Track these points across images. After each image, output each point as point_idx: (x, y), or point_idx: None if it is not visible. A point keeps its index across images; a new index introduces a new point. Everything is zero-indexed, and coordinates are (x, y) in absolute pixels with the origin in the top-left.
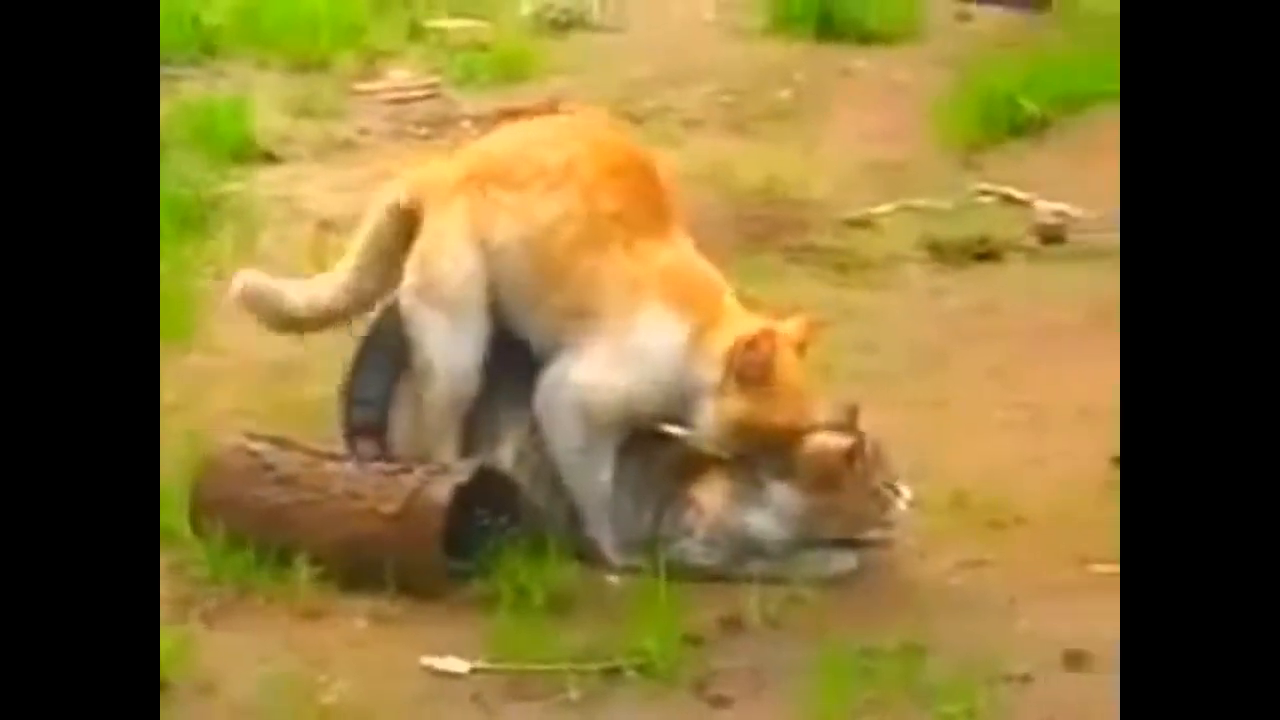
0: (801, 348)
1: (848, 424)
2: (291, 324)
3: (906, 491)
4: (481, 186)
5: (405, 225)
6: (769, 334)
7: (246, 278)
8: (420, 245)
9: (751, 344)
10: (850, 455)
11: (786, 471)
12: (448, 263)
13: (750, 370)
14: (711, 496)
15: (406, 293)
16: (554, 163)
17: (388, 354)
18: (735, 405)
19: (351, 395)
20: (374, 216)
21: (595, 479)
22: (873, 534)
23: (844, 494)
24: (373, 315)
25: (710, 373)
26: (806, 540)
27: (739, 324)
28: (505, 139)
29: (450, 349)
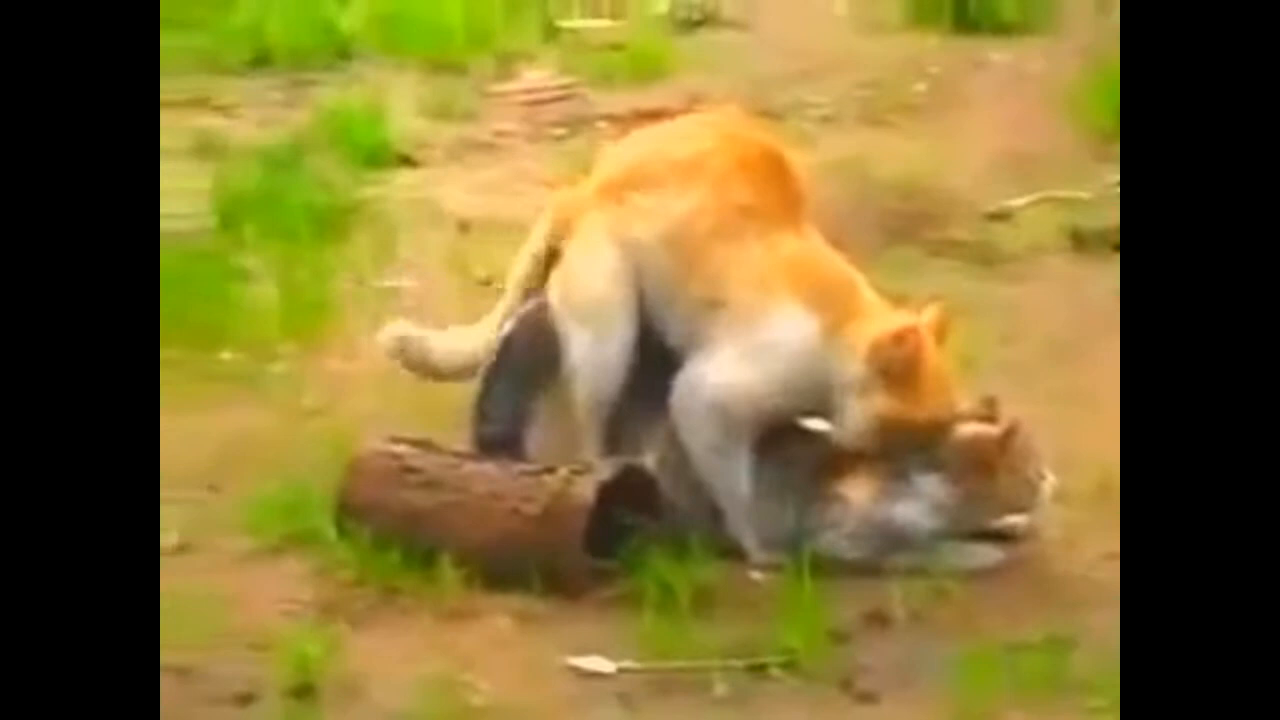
0: (941, 337)
1: (988, 415)
2: (439, 375)
3: (1052, 478)
4: (616, 194)
5: (550, 268)
6: (913, 329)
7: (395, 330)
8: (564, 262)
9: (897, 339)
10: (1004, 441)
11: (936, 463)
12: (589, 269)
13: (895, 366)
14: (856, 491)
15: (552, 302)
16: (685, 159)
17: (518, 372)
18: (880, 402)
19: (481, 412)
20: (520, 265)
21: (734, 477)
22: (1020, 522)
23: (996, 481)
24: (502, 333)
25: (851, 368)
26: (956, 530)
27: (877, 318)
28: (636, 144)
29: (594, 352)
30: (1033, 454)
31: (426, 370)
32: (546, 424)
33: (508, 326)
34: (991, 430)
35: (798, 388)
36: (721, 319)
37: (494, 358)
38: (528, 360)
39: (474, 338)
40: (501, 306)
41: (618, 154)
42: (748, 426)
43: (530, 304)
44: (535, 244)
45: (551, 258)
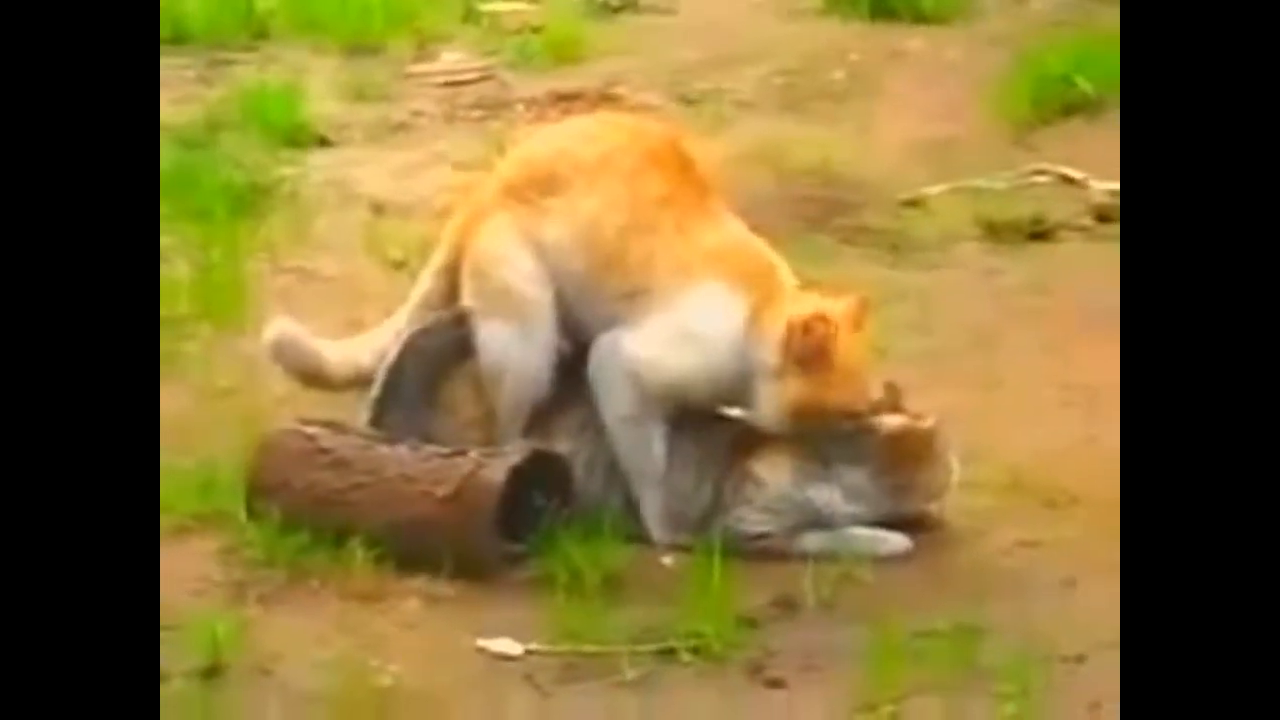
0: (858, 325)
1: (893, 403)
2: (324, 383)
3: (958, 467)
4: (523, 195)
5: (453, 285)
6: (824, 316)
7: (280, 328)
8: (471, 263)
9: (807, 327)
10: (932, 435)
11: (861, 457)
12: (506, 270)
13: (807, 354)
14: (774, 471)
15: (469, 305)
16: (591, 158)
17: (416, 384)
18: (793, 388)
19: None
20: (423, 281)
21: (645, 448)
22: (932, 509)
23: (920, 473)
24: (401, 344)
25: (766, 355)
26: (873, 517)
27: (795, 305)
28: (539, 145)
29: (519, 354)
30: (948, 444)
31: (309, 377)
32: (450, 425)
33: (403, 340)
34: (920, 424)
35: (719, 373)
36: (646, 306)
37: (387, 375)
38: (424, 376)
39: (365, 348)
40: (396, 321)
41: (520, 156)
42: (664, 402)
43: (432, 317)
44: (438, 261)
45: (454, 274)
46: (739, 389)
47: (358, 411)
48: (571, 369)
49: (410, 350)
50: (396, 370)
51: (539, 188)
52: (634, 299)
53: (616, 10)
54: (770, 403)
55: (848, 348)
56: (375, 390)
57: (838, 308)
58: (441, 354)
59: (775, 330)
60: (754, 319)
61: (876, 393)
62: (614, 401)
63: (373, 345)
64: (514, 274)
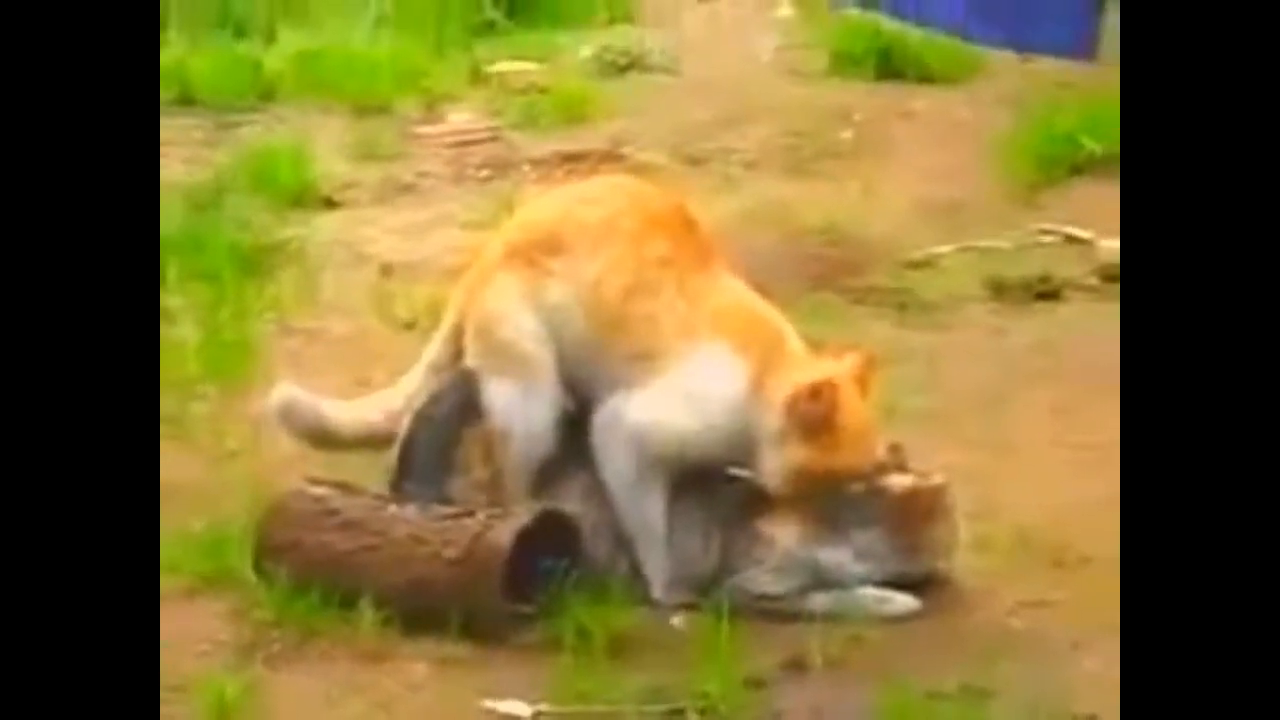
0: (864, 385)
1: (897, 464)
2: (332, 443)
3: (963, 528)
4: (527, 256)
5: (461, 348)
6: (831, 382)
7: (285, 394)
8: (475, 322)
9: (813, 393)
10: (940, 493)
11: (872, 519)
12: (509, 330)
13: (812, 420)
14: (783, 531)
15: (473, 366)
16: (595, 220)
17: (435, 444)
18: (798, 453)
19: (402, 488)
20: (433, 344)
21: (648, 512)
22: (940, 569)
23: (928, 532)
24: (417, 408)
25: (771, 420)
26: (881, 577)
27: (800, 369)
28: (542, 208)
29: (523, 412)
30: (955, 503)
31: (318, 438)
32: (467, 487)
33: (414, 409)
34: (928, 483)
35: (723, 436)
36: (650, 368)
37: (403, 445)
38: (438, 442)
39: (375, 408)
40: (407, 382)
41: (524, 218)
42: (665, 465)
43: (440, 381)
44: (447, 323)
45: (462, 336)
46: (743, 452)
47: (367, 472)
48: (578, 431)
49: (422, 419)
50: (410, 441)
51: (542, 249)
52: (637, 361)
53: (623, 70)
54: (775, 467)
55: (853, 410)
56: (392, 462)
57: (843, 369)
58: (451, 418)
59: (780, 394)
60: (758, 382)
61: (881, 454)
62: (616, 465)
63: (383, 405)
64: (517, 333)
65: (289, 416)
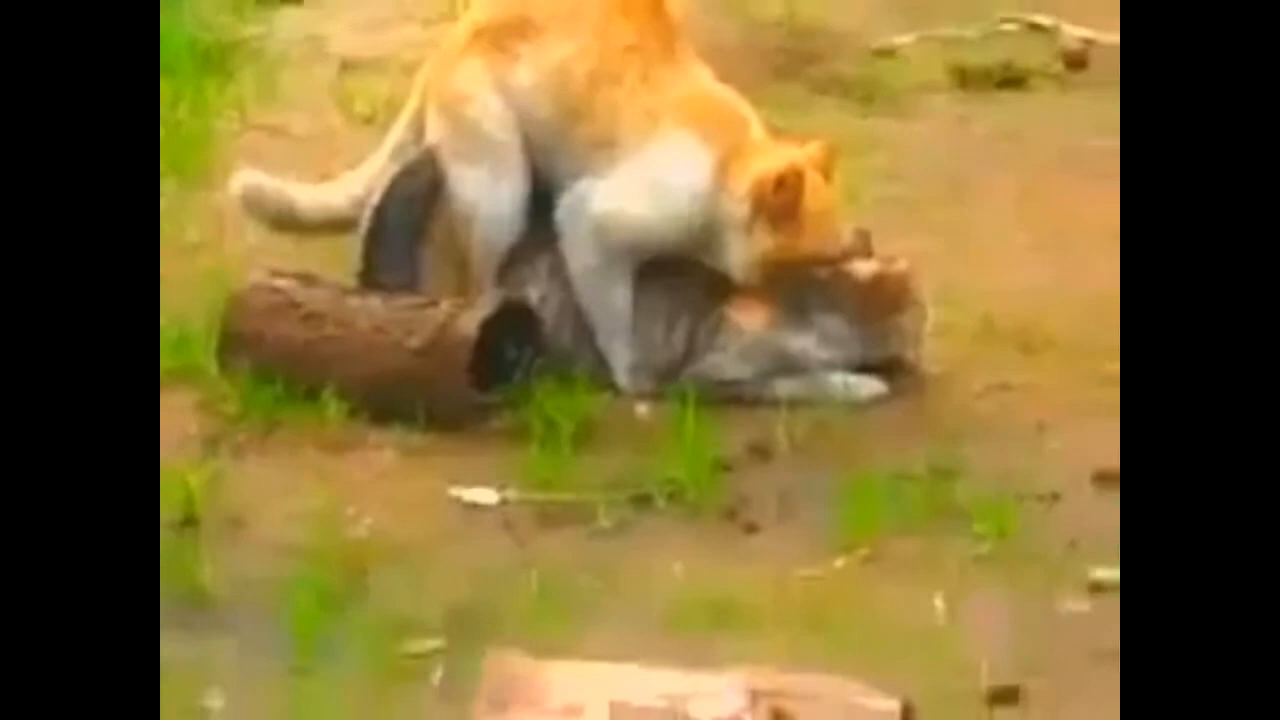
0: (827, 173)
1: (863, 249)
2: (296, 226)
3: (931, 312)
4: (494, 39)
5: (423, 131)
6: (795, 170)
7: (248, 178)
8: (440, 101)
9: (779, 181)
10: (905, 280)
11: (836, 304)
12: (476, 111)
13: (777, 207)
14: (749, 317)
15: (439, 148)
16: (563, 5)
17: (401, 228)
18: (763, 240)
19: (371, 274)
20: (395, 130)
21: (611, 298)
22: (906, 354)
23: (894, 318)
24: (381, 190)
25: (736, 208)
26: (847, 362)
27: (763, 157)
28: None
29: (490, 195)
30: (920, 288)
31: (285, 222)
32: (434, 266)
33: (385, 182)
34: (894, 269)
35: (687, 224)
36: (614, 156)
37: (374, 218)
38: (410, 215)
39: (340, 190)
40: (369, 166)
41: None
42: (629, 252)
43: (409, 158)
44: (410, 108)
45: (424, 121)
46: (707, 240)
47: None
48: (542, 217)
49: (393, 190)
50: (381, 211)
51: (510, 33)
52: (602, 149)
53: None
54: (740, 254)
55: (817, 196)
56: (362, 233)
57: (806, 156)
58: (419, 196)
59: (744, 182)
60: (722, 170)
61: (847, 240)
62: (580, 252)
63: (346, 189)
64: (483, 115)
65: (253, 200)
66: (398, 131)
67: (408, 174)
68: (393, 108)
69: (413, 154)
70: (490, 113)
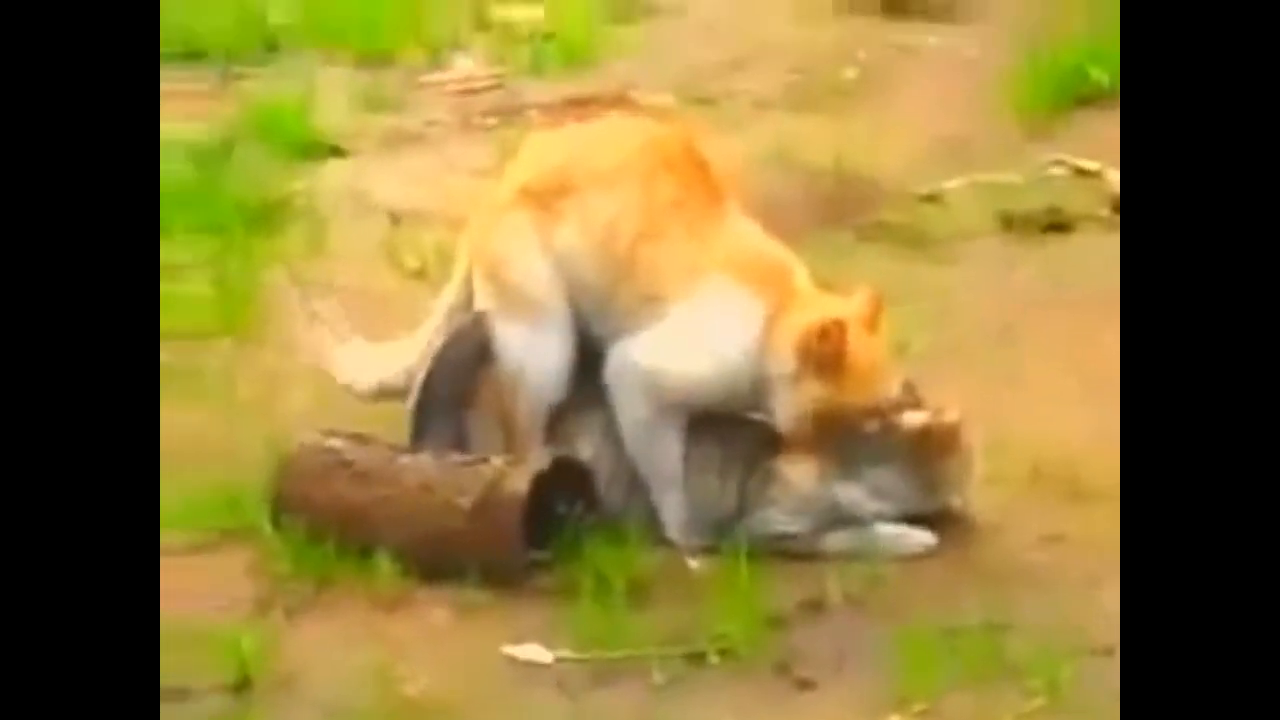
0: (873, 323)
1: (911, 400)
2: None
3: (980, 462)
4: (537, 198)
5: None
6: (839, 321)
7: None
8: (485, 264)
9: (823, 333)
10: (956, 430)
11: (887, 456)
12: (520, 273)
13: (823, 360)
14: (799, 471)
15: (486, 308)
16: (606, 162)
17: (452, 393)
18: (810, 393)
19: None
20: (446, 293)
21: (663, 454)
22: (955, 503)
23: (944, 468)
24: (433, 354)
25: (783, 361)
26: (898, 513)
27: (809, 309)
28: (554, 149)
29: (536, 356)
30: (969, 438)
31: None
32: (481, 429)
33: (434, 352)
34: (942, 419)
35: (735, 379)
36: (661, 311)
37: (422, 390)
38: (457, 382)
39: (393, 363)
40: (427, 328)
41: (535, 158)
42: (679, 406)
43: (458, 323)
44: (459, 270)
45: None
46: (756, 394)
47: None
48: (592, 373)
49: (441, 359)
50: (429, 382)
51: (553, 191)
52: (648, 304)
53: (628, 12)
54: (788, 407)
55: (863, 348)
56: (410, 406)
57: (851, 308)
58: (467, 360)
59: (790, 335)
60: (769, 324)
61: (895, 391)
62: (629, 408)
63: (402, 360)
64: (527, 276)
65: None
66: (450, 294)
67: (455, 341)
68: (441, 260)
69: (462, 319)
70: (534, 274)
